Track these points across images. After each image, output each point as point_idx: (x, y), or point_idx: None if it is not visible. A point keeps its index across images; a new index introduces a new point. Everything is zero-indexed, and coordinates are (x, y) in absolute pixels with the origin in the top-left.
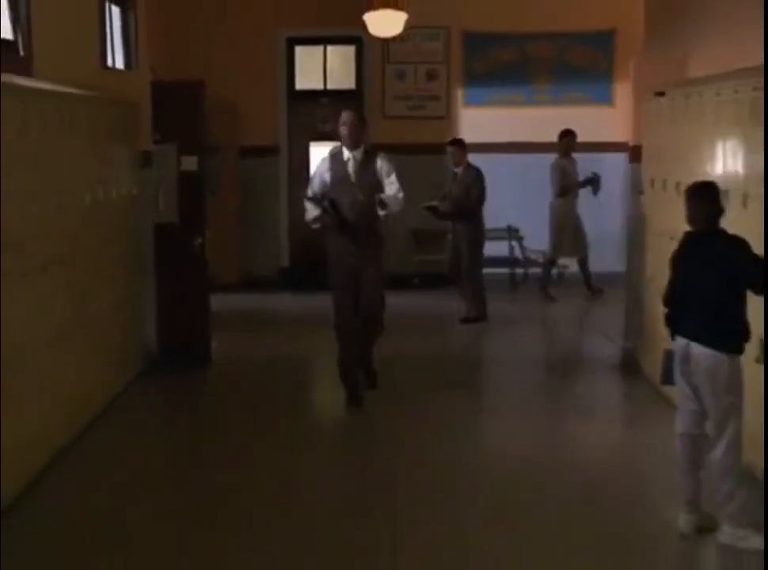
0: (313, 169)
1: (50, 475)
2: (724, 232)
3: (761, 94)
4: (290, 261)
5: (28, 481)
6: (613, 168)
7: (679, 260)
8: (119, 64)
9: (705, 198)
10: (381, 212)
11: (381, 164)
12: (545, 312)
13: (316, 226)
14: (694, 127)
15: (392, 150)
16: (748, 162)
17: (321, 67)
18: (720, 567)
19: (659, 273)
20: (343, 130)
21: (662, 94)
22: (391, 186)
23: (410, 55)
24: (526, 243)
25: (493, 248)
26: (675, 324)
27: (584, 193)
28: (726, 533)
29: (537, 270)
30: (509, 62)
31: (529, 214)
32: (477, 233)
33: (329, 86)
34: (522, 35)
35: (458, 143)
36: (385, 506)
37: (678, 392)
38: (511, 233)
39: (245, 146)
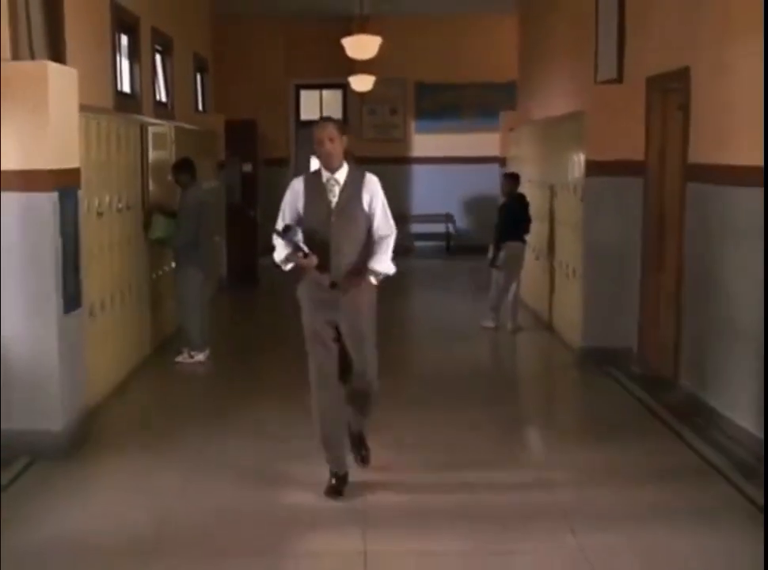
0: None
1: None
2: (523, 195)
3: (549, 132)
4: None
5: None
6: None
7: (510, 211)
8: (200, 108)
9: (514, 179)
10: (372, 279)
11: (369, 192)
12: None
13: (288, 267)
14: (524, 148)
15: (366, 161)
16: (544, 167)
17: (318, 104)
18: (508, 342)
19: None
20: (321, 150)
21: (512, 129)
22: (381, 226)
23: (379, 97)
24: (457, 225)
25: (435, 228)
26: (507, 238)
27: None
28: (509, 328)
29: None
30: (447, 103)
31: (460, 204)
32: None
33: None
34: (456, 85)
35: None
36: None
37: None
38: (448, 217)
39: (267, 157)
